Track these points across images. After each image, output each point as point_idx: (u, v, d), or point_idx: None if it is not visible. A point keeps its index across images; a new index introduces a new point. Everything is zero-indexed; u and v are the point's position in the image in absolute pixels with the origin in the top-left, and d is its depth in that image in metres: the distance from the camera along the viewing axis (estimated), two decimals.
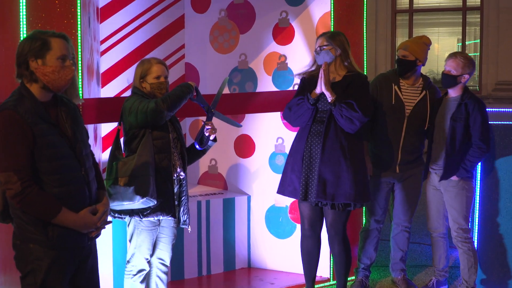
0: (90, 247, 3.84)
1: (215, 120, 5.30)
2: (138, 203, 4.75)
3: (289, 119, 5.50)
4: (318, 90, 5.29)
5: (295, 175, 5.43)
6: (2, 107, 3.50)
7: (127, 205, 4.78)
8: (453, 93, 5.84)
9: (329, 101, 5.26)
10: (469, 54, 6.35)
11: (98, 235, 3.84)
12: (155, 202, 4.81)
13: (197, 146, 5.25)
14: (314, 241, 5.62)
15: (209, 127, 5.21)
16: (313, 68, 5.55)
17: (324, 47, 5.35)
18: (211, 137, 5.26)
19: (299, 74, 5.61)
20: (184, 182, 5.09)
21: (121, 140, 5.01)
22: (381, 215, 6.08)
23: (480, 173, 5.99)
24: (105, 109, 5.50)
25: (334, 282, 6.11)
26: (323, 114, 5.36)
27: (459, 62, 5.75)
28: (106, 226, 3.87)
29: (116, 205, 4.81)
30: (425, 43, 6.00)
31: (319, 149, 5.32)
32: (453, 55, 5.85)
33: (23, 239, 3.59)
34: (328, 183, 5.29)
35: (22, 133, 3.45)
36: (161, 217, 4.94)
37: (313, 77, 5.44)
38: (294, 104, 5.40)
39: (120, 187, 4.73)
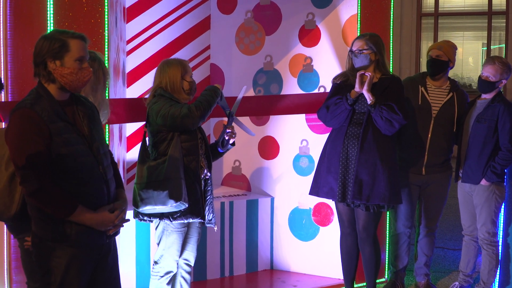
0: (109, 245, 3.84)
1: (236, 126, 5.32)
2: (171, 207, 4.74)
3: (325, 119, 5.49)
4: (357, 89, 5.29)
5: (332, 176, 5.44)
6: (19, 105, 3.51)
7: (159, 209, 4.78)
8: (487, 95, 5.82)
9: (369, 103, 5.27)
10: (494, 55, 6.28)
11: (117, 233, 3.84)
12: (187, 205, 4.80)
13: (219, 149, 5.26)
14: (354, 239, 5.64)
15: (230, 130, 5.21)
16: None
17: (364, 51, 5.35)
18: (230, 141, 5.26)
19: (335, 79, 5.58)
20: (209, 181, 5.08)
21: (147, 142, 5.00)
22: (408, 219, 6.05)
23: (505, 177, 5.94)
24: (130, 109, 5.51)
25: (361, 284, 6.10)
26: (360, 116, 5.37)
27: (497, 68, 5.69)
28: (124, 224, 3.87)
29: (148, 209, 4.81)
30: (454, 46, 6.00)
31: (356, 150, 5.33)
32: (491, 61, 5.76)
33: (42, 237, 3.60)
34: (364, 184, 5.31)
35: (39, 131, 3.45)
36: (190, 220, 4.93)
37: (347, 81, 5.44)
38: (332, 103, 5.39)
39: (153, 191, 4.72)
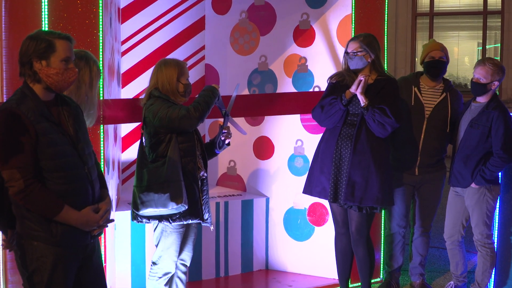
0: (93, 245, 3.87)
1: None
2: (171, 209, 4.75)
3: (319, 119, 5.49)
4: (353, 89, 5.29)
5: (325, 176, 5.44)
6: (4, 105, 3.53)
7: (159, 211, 4.78)
8: (481, 99, 5.76)
9: (362, 105, 5.27)
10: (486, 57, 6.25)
11: (100, 233, 3.86)
12: (187, 207, 4.80)
13: (216, 151, 5.26)
14: (348, 239, 5.64)
15: (226, 131, 5.21)
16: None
17: (359, 53, 5.34)
18: (226, 141, 5.26)
19: (331, 78, 5.58)
20: (205, 181, 5.08)
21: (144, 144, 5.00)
22: (402, 219, 6.06)
23: (501, 178, 5.94)
24: (124, 110, 5.51)
25: (356, 284, 6.12)
26: (354, 117, 5.37)
27: (488, 69, 5.62)
28: (108, 224, 3.89)
29: (149, 212, 4.81)
30: None
31: (349, 152, 5.33)
32: (481, 63, 5.69)
33: (27, 236, 3.61)
34: (357, 186, 5.31)
35: (25, 131, 3.47)
36: (190, 221, 4.93)
37: (343, 81, 5.44)
38: (327, 103, 5.39)
39: (154, 194, 4.72)
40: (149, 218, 4.91)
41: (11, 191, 3.53)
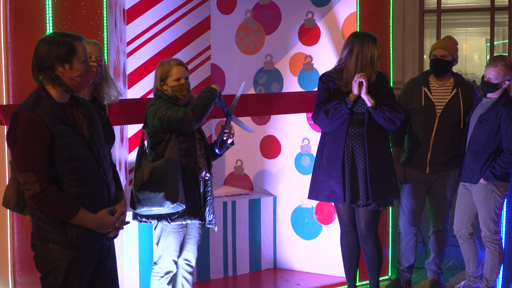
0: (108, 247, 3.87)
1: (234, 124, 5.32)
2: (168, 208, 4.75)
3: (323, 124, 5.43)
4: (356, 92, 5.26)
5: (334, 180, 5.39)
6: (20, 108, 3.52)
7: (156, 210, 4.78)
8: (492, 94, 5.72)
9: (369, 106, 5.26)
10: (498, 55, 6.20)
11: (116, 235, 3.86)
12: (184, 207, 4.80)
13: (217, 151, 5.25)
14: (355, 237, 5.64)
15: (227, 131, 5.20)
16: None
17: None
18: (229, 141, 5.26)
19: (332, 79, 5.51)
20: (209, 182, 5.08)
21: (145, 143, 5.00)
22: (412, 217, 6.07)
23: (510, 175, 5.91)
24: (131, 110, 5.51)
25: (364, 282, 6.12)
26: (359, 116, 5.35)
27: (499, 71, 5.56)
28: (124, 226, 3.89)
29: (145, 211, 4.81)
30: (455, 43, 6.01)
31: (362, 151, 5.32)
32: (493, 63, 5.62)
33: (42, 239, 3.61)
34: (382, 184, 5.34)
35: (41, 134, 3.46)
36: (189, 221, 4.94)
37: (341, 82, 5.42)
38: (331, 109, 5.33)
39: (149, 192, 4.71)
40: (149, 217, 4.92)
41: (27, 194, 3.52)
